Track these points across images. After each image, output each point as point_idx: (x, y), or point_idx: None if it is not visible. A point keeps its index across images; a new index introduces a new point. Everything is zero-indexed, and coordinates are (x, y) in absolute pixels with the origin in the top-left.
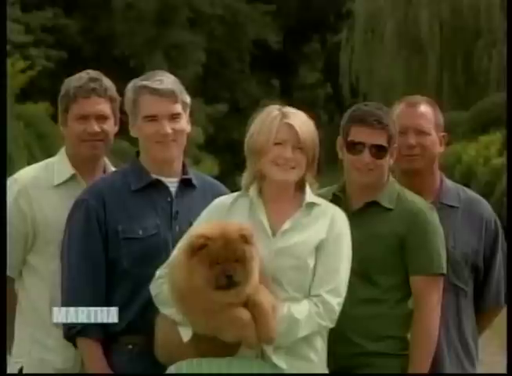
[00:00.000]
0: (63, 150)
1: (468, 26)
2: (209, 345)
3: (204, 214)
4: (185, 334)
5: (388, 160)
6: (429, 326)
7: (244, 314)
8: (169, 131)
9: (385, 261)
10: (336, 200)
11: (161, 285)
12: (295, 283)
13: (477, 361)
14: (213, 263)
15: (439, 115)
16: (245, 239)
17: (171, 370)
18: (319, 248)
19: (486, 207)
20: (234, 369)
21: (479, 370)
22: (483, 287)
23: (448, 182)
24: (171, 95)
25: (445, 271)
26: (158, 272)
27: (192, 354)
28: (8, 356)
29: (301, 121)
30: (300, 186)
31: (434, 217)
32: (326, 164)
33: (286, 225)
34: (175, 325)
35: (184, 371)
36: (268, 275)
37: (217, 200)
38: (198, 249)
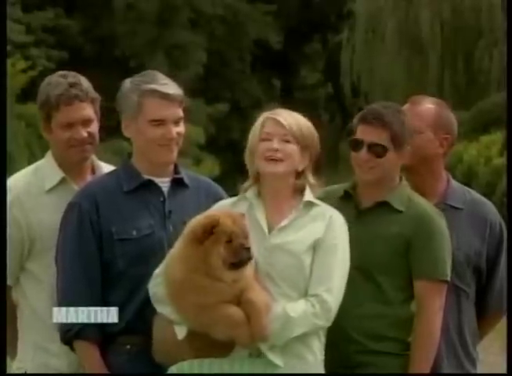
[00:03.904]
0: (49, 154)
1: (469, 26)
2: (204, 343)
3: None
4: (180, 332)
5: (395, 160)
6: (430, 331)
7: (236, 312)
8: (175, 135)
9: (389, 261)
10: (347, 196)
11: (158, 284)
12: (290, 280)
13: (478, 361)
14: (226, 241)
15: (444, 116)
16: (244, 217)
17: (173, 370)
18: (315, 247)
19: (491, 210)
20: (236, 369)
21: (481, 371)
22: (486, 290)
23: (455, 184)
24: (178, 100)
25: (448, 278)
26: (156, 271)
27: (188, 352)
28: (10, 362)
29: (288, 115)
30: (300, 189)
31: (442, 223)
32: (326, 165)
33: (284, 223)
34: (171, 324)
35: (186, 371)
36: (263, 272)
37: (216, 205)
38: (212, 228)
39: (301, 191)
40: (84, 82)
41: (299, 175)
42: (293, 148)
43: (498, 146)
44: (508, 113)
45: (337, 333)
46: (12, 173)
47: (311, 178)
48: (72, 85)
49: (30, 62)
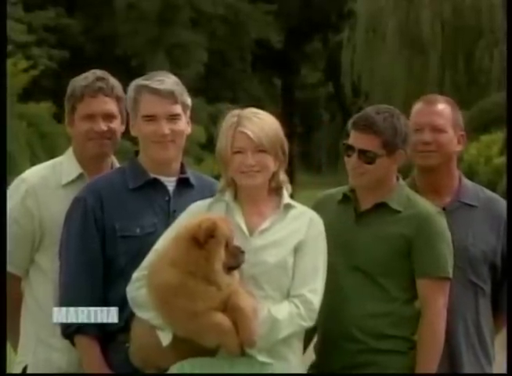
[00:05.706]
0: (70, 150)
1: (470, 25)
2: (187, 349)
3: (181, 219)
4: (165, 339)
5: (388, 165)
6: (434, 329)
7: (224, 320)
8: (167, 131)
9: (391, 262)
10: (345, 199)
11: (139, 288)
12: (274, 281)
13: (493, 360)
14: (225, 244)
15: (458, 114)
16: (230, 221)
17: (173, 370)
18: (298, 249)
19: (505, 207)
20: (236, 369)
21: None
22: (501, 287)
23: (467, 182)
24: (170, 96)
25: (450, 275)
26: (135, 275)
27: (171, 358)
28: (13, 355)
29: (255, 126)
30: (275, 189)
31: (442, 222)
32: (326, 165)
33: (265, 225)
34: (153, 329)
35: (187, 371)
36: (248, 274)
37: (192, 206)
38: (213, 230)
39: (275, 191)
40: (112, 80)
41: (272, 176)
42: (267, 158)
43: (498, 145)
44: (508, 113)
45: (339, 333)
46: (13, 173)
47: (282, 177)
48: (99, 79)
49: (32, 61)
